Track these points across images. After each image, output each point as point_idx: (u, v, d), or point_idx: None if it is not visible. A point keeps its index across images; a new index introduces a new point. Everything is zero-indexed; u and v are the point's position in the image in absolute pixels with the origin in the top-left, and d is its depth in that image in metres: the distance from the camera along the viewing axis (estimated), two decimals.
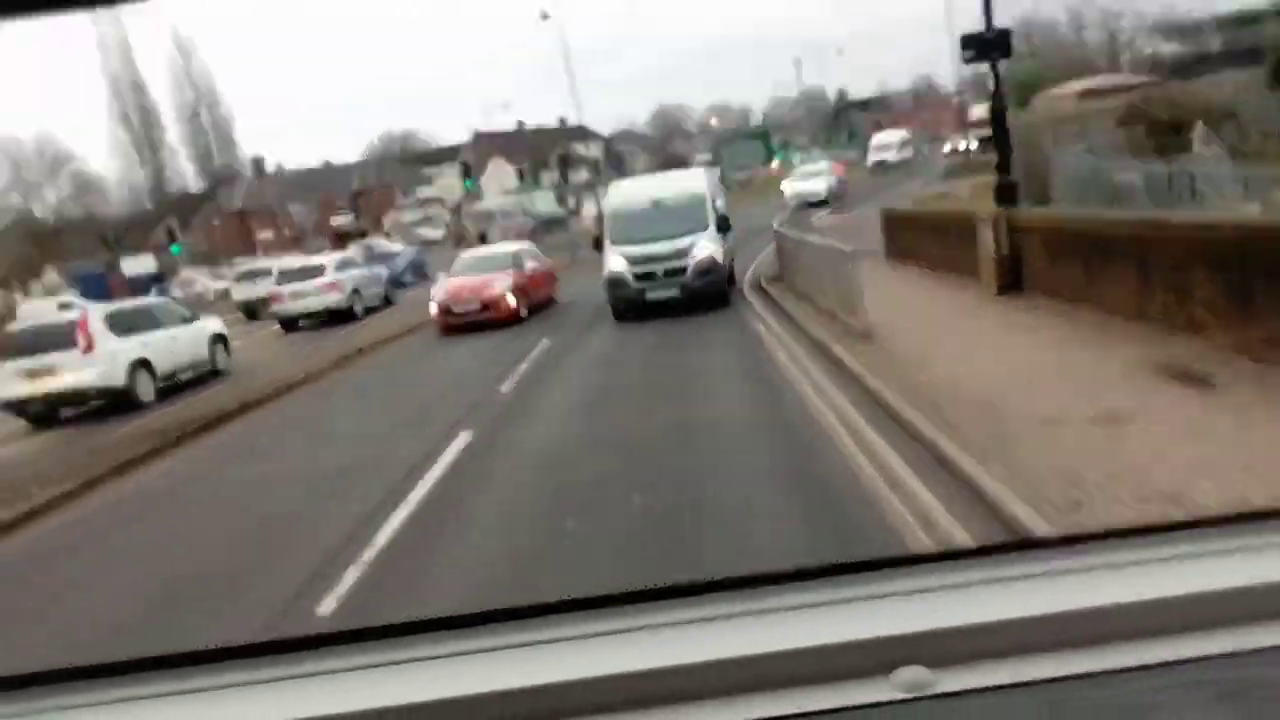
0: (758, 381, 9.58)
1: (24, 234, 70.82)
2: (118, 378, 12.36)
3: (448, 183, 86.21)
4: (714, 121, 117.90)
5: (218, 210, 67.88)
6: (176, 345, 13.73)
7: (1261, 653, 0.90)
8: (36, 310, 27.45)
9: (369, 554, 5.96)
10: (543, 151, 77.25)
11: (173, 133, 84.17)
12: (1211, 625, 0.93)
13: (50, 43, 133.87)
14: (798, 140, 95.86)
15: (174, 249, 29.96)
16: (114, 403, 12.60)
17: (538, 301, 18.04)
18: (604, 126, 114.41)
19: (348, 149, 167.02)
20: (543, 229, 38.52)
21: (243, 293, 25.35)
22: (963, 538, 4.92)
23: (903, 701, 0.90)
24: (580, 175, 50.89)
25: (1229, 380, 6.46)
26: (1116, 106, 23.05)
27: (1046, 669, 0.92)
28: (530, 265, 18.42)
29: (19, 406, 12.81)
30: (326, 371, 14.34)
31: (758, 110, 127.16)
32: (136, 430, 11.14)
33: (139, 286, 51.75)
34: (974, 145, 40.95)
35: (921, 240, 14.68)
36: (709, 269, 14.81)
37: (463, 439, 8.64)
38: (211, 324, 15.36)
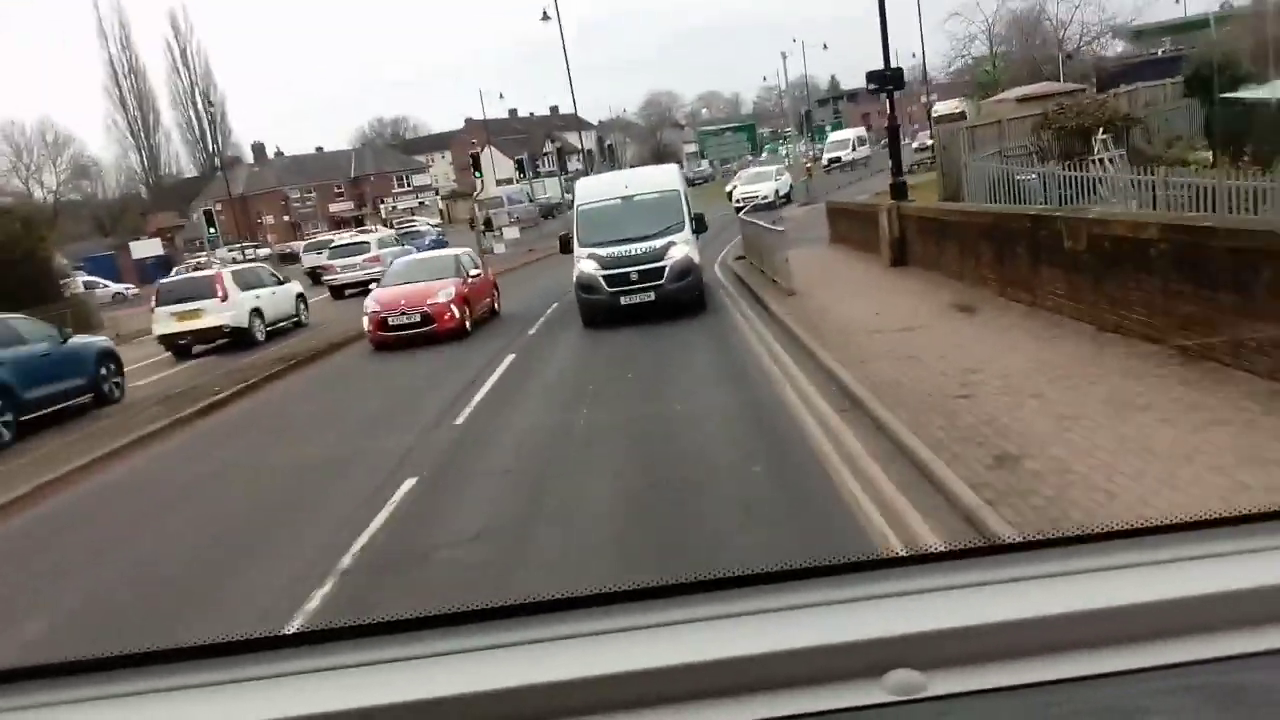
0: (714, 328, 14.05)
1: (25, 218, 74.96)
2: (243, 320, 17.14)
3: (439, 170, 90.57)
4: (704, 111, 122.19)
5: (218, 195, 71.87)
6: (275, 300, 18.54)
7: (1257, 657, 0.90)
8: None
9: (475, 401, 10.48)
10: (535, 140, 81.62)
11: (167, 117, 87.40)
12: (1207, 629, 0.93)
13: (51, 27, 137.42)
14: (787, 130, 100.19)
15: (210, 232, 34.11)
16: (238, 340, 17.36)
17: (481, 314, 17.06)
18: (593, 113, 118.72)
19: (337, 135, 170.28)
20: (544, 216, 42.99)
21: (310, 260, 30.09)
22: (807, 387, 9.40)
23: (893, 704, 0.90)
24: (573, 164, 55.07)
25: (984, 309, 11.09)
26: (1040, 113, 27.70)
27: (1040, 672, 0.92)
28: (473, 272, 17.31)
29: (170, 340, 17.44)
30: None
31: (748, 99, 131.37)
32: (259, 360, 15.75)
33: (146, 269, 55.98)
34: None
35: (851, 226, 19.31)
36: (687, 271, 14.51)
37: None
38: (295, 286, 20.03)
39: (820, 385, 9.07)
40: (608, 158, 64.20)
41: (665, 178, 16.21)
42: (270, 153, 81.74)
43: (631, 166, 51.61)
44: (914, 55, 73.39)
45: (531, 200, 50.66)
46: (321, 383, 14.41)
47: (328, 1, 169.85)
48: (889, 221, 15.51)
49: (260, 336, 18.23)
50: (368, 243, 25.87)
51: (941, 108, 48.79)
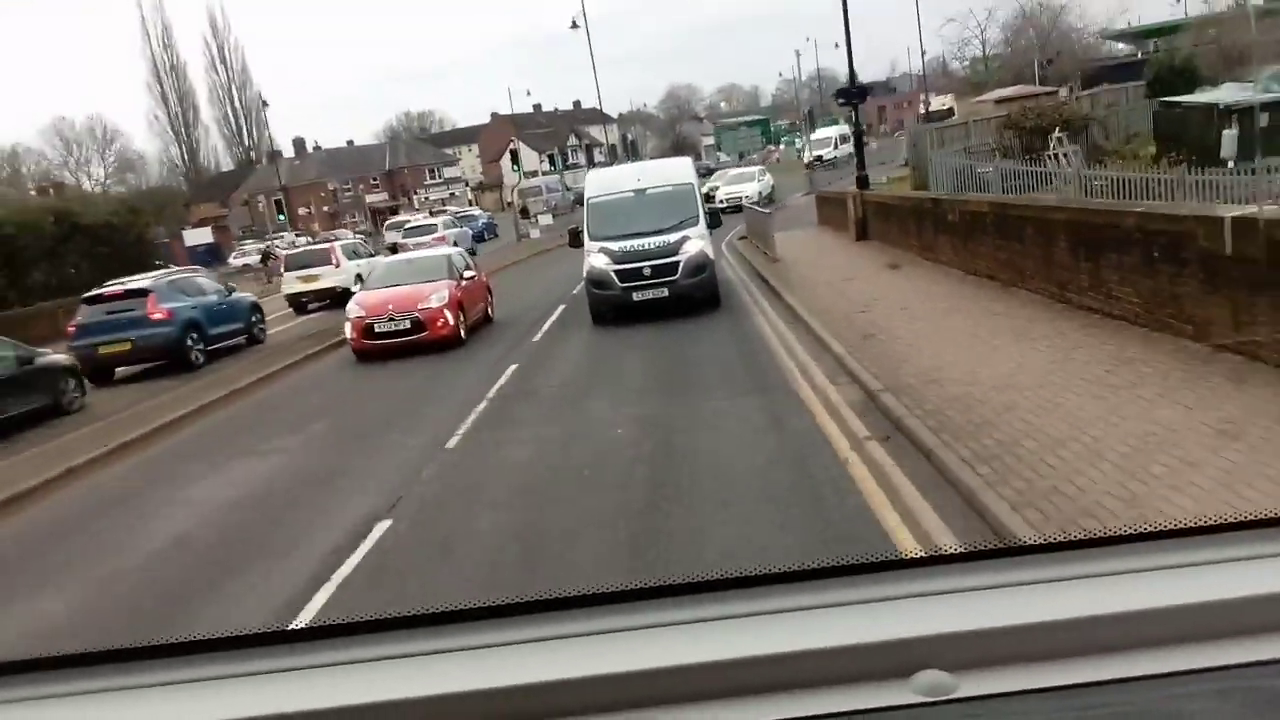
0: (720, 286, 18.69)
1: (133, 207, 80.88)
2: (350, 283, 21.93)
3: (467, 162, 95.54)
4: (723, 104, 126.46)
5: (261, 186, 77.10)
6: (368, 268, 23.39)
7: None
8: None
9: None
10: (560, 134, 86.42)
11: (205, 113, 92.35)
12: (1242, 632, 0.93)
13: (99, 27, 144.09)
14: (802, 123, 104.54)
15: (280, 218, 39.14)
16: (344, 298, 22.20)
17: (475, 320, 16.04)
18: (613, 106, 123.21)
19: (363, 130, 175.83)
20: (577, 203, 47.86)
21: (390, 238, 35.63)
22: (770, 312, 14.07)
23: (922, 705, 0.90)
24: (598, 157, 59.74)
25: (906, 266, 15.73)
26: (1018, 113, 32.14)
27: (1071, 675, 0.92)
28: (468, 274, 16.26)
29: (294, 299, 22.49)
30: None
31: (767, 91, 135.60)
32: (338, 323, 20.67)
33: (197, 256, 61.21)
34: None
35: (831, 211, 23.98)
36: (701, 267, 14.44)
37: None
38: (382, 258, 25.06)
39: (779, 311, 13.79)
40: (630, 151, 68.73)
41: (678, 171, 16.26)
42: (307, 147, 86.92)
43: (652, 159, 56.16)
44: (924, 52, 77.63)
45: (568, 189, 55.45)
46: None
47: (359, 4, 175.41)
48: (853, 206, 20.16)
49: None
50: (435, 224, 31.23)
51: (935, 103, 53.11)
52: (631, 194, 15.36)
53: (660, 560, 5.59)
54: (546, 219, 39.88)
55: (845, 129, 58.04)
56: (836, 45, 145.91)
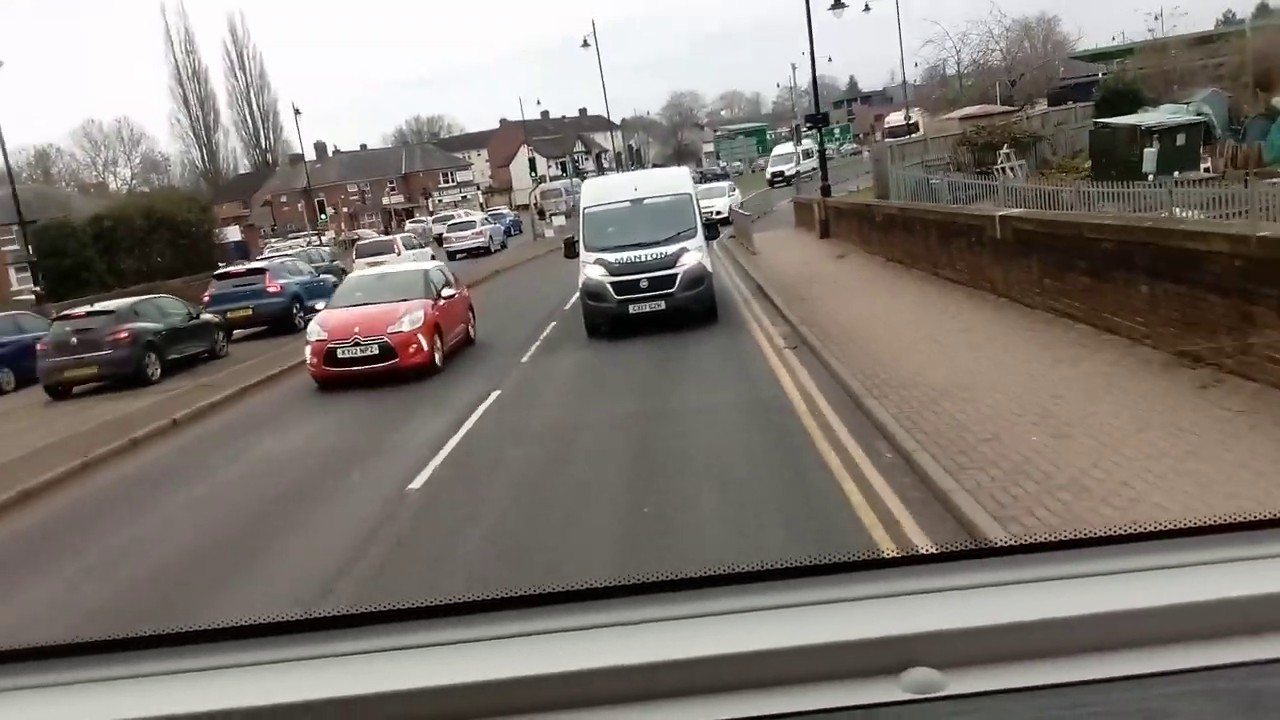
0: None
1: (201, 205, 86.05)
2: None
3: (477, 167, 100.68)
4: (724, 112, 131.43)
5: (283, 187, 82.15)
6: (421, 257, 28.58)
7: (1277, 663, 0.92)
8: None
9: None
10: (567, 140, 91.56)
11: (225, 116, 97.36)
12: (1228, 633, 0.95)
13: (126, 33, 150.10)
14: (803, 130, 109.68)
15: (323, 217, 44.26)
16: None
17: (454, 343, 14.71)
18: (617, 111, 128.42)
19: (372, 133, 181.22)
20: None
21: (436, 230, 41.19)
22: (743, 287, 19.04)
23: (911, 702, 0.92)
24: (606, 163, 64.74)
25: (851, 257, 20.77)
26: (973, 131, 37.08)
27: (1059, 674, 0.94)
28: (446, 292, 14.79)
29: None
30: (487, 278, 28.79)
31: (768, 99, 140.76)
32: None
33: (229, 251, 66.27)
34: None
35: (804, 215, 29.01)
36: (699, 280, 14.38)
37: None
38: (428, 251, 30.12)
39: (750, 287, 18.77)
40: (634, 158, 73.70)
41: (676, 181, 16.38)
42: (328, 151, 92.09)
43: (655, 166, 61.03)
44: (916, 65, 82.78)
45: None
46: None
47: (359, 7, 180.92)
48: (818, 210, 25.19)
49: None
50: (474, 220, 36.91)
51: (893, 119, 57.61)
52: (628, 204, 15.29)
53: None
54: (560, 220, 44.76)
55: (808, 144, 58.45)
56: (830, 59, 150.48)
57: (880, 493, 6.46)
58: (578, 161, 70.84)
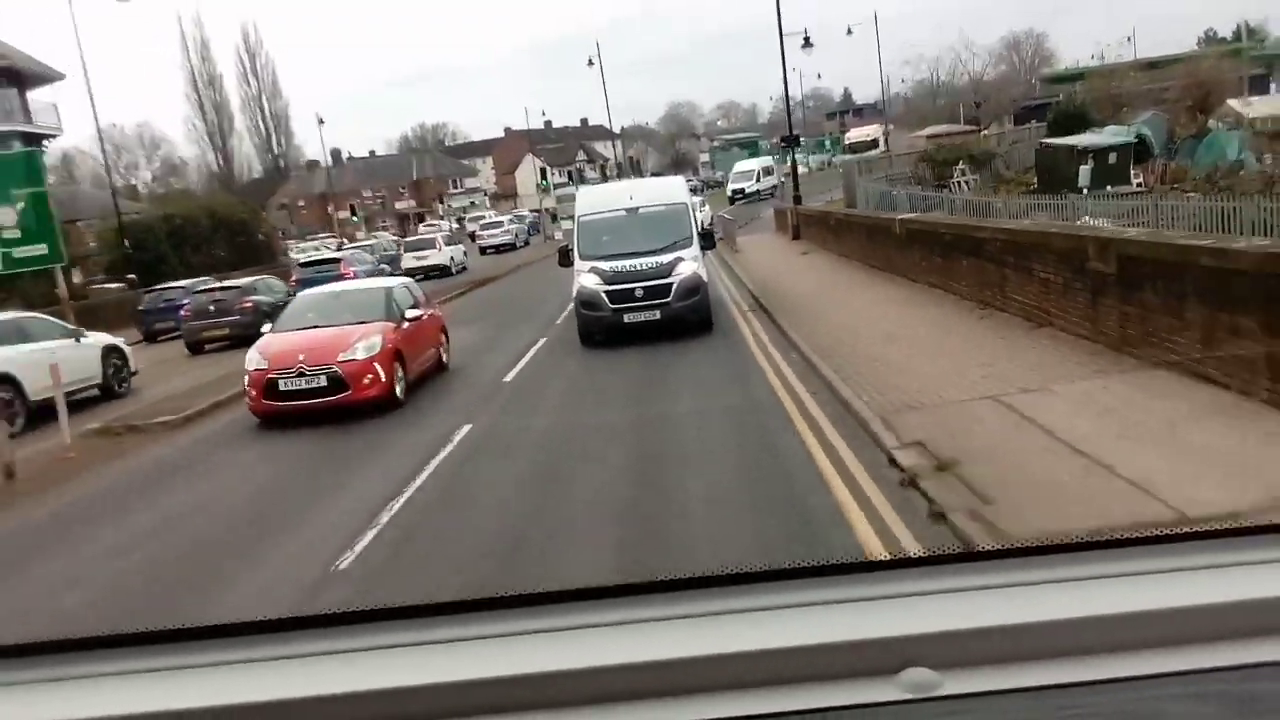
0: None
1: (253, 207, 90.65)
2: (446, 261, 32.19)
3: (484, 174, 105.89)
4: (720, 121, 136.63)
5: (300, 191, 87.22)
6: (455, 252, 33.73)
7: (1271, 666, 0.94)
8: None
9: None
10: (570, 149, 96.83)
11: (239, 121, 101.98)
12: (1222, 637, 0.97)
13: (146, 39, 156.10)
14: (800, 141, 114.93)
15: (354, 218, 49.44)
16: (443, 273, 32.53)
17: (422, 369, 13.32)
18: (617, 118, 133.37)
19: (378, 139, 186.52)
20: None
21: (470, 228, 47.13)
22: (726, 279, 24.14)
23: (909, 702, 0.94)
24: (609, 172, 69.86)
25: (813, 254, 25.95)
26: (933, 148, 42.29)
27: (1055, 675, 0.96)
28: (411, 313, 13.18)
29: (410, 271, 32.80)
30: (513, 269, 33.83)
31: (764, 110, 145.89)
32: (460, 282, 30.89)
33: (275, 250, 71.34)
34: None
35: (781, 220, 34.21)
36: (695, 289, 14.45)
37: None
38: (461, 247, 35.29)
39: (731, 277, 23.89)
40: (634, 167, 78.90)
41: (672, 190, 16.56)
42: (334, 157, 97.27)
43: (654, 175, 66.05)
44: (904, 81, 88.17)
45: None
46: (490, 294, 28.73)
47: (354, 8, 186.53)
48: (791, 216, 30.37)
49: (455, 270, 33.73)
50: (502, 221, 42.63)
51: (856, 134, 62.47)
52: (623, 213, 15.36)
53: None
54: (567, 223, 49.97)
55: (769, 160, 58.87)
56: (819, 76, 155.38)
57: (784, 371, 11.53)
58: (582, 170, 76.06)
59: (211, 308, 20.87)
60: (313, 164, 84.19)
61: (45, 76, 46.64)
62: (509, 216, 47.76)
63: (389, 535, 7.05)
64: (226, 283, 21.94)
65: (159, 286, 26.70)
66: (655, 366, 13.28)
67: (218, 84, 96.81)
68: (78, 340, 15.03)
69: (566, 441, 9.78)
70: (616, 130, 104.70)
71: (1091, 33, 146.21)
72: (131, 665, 1.04)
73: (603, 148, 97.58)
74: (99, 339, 15.61)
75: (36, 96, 46.74)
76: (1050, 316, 10.64)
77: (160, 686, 1.01)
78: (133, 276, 30.27)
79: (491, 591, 1.08)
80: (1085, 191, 30.92)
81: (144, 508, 8.98)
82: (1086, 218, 20.56)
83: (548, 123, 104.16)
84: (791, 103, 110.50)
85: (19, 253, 24.84)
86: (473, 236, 46.53)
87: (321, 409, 11.37)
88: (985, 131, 46.05)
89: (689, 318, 14.53)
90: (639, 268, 14.41)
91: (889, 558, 1.34)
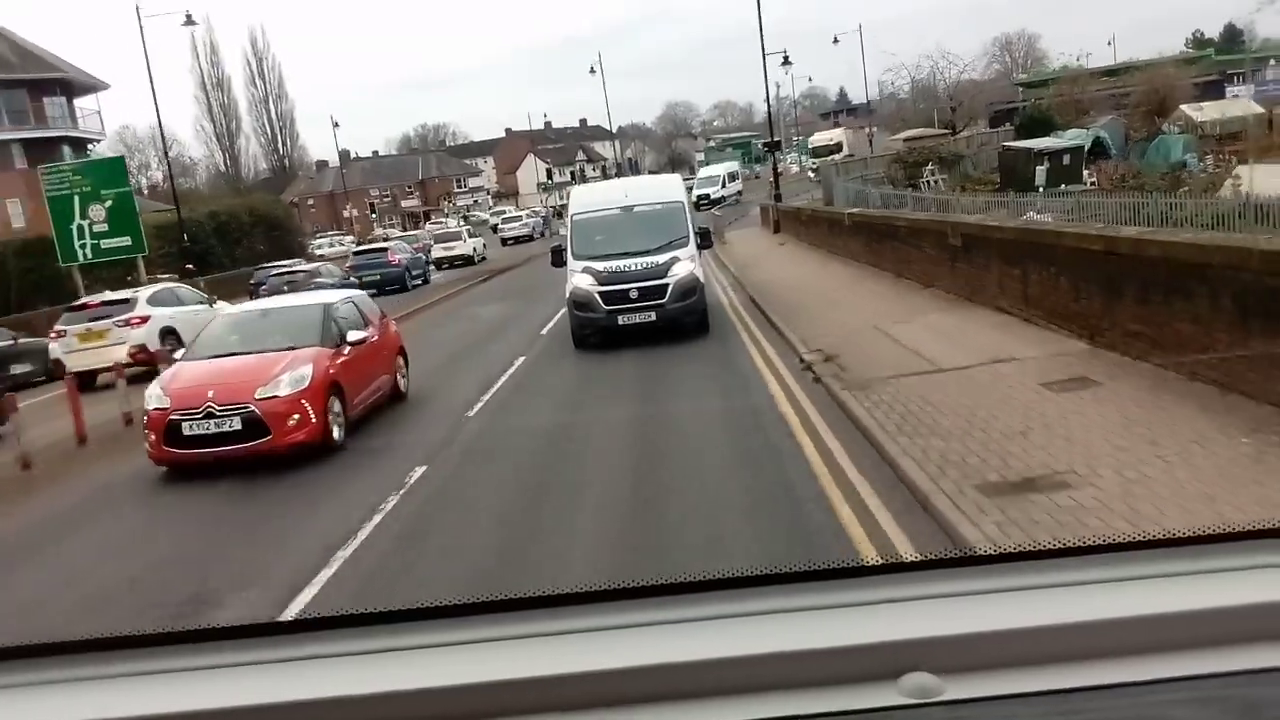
0: None
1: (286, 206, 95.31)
2: (470, 251, 36.84)
3: (488, 173, 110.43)
4: (716, 121, 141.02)
5: (310, 190, 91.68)
6: (477, 244, 38.38)
7: (1275, 672, 0.95)
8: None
9: None
10: (570, 149, 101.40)
11: (246, 123, 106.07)
12: (1225, 642, 0.98)
13: (158, 41, 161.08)
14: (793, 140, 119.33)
15: (372, 215, 54.03)
16: (467, 262, 37.14)
17: (371, 401, 11.39)
18: (614, 117, 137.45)
19: (376, 136, 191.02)
20: None
21: (492, 221, 52.07)
22: (714, 266, 28.70)
23: (909, 707, 0.94)
24: (606, 171, 74.44)
25: (789, 244, 30.59)
26: (905, 150, 46.81)
27: (1057, 680, 0.96)
28: (354, 336, 11.15)
29: (439, 261, 37.56)
30: (527, 259, 38.36)
31: (760, 109, 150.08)
32: (478, 271, 35.52)
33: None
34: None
35: (764, 216, 38.81)
36: (691, 290, 14.33)
37: None
38: (481, 240, 39.99)
39: (717, 263, 28.48)
40: (633, 167, 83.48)
41: (668, 188, 16.43)
42: (342, 158, 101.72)
43: (651, 174, 70.48)
44: (893, 83, 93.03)
45: None
46: (504, 283, 33.31)
47: (361, 16, 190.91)
48: (772, 212, 34.98)
49: (477, 260, 38.47)
50: (520, 215, 47.61)
51: (819, 138, 66.04)
52: (618, 211, 15.21)
53: None
54: None
55: (734, 165, 60.61)
56: (810, 79, 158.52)
57: (746, 320, 16.09)
58: (583, 170, 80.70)
59: (285, 288, 25.49)
60: (321, 164, 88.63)
61: (90, 85, 51.25)
62: (526, 212, 52.88)
63: None
64: (297, 268, 26.55)
65: (267, 265, 32.19)
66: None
67: (226, 86, 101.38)
68: (210, 305, 19.60)
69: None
70: (614, 130, 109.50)
71: (1087, 34, 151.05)
72: (143, 666, 1.05)
73: (601, 148, 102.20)
74: (222, 306, 20.19)
75: (81, 104, 51.32)
76: (932, 280, 15.30)
77: (171, 688, 1.02)
78: (191, 266, 34.75)
79: (493, 595, 1.08)
80: (1041, 190, 35.43)
81: None
82: (1032, 213, 23.33)
83: (548, 123, 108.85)
84: (788, 103, 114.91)
85: (106, 244, 29.59)
86: (494, 229, 51.32)
87: (235, 458, 9.35)
88: (958, 134, 50.53)
89: (685, 320, 14.43)
90: (633, 268, 14.27)
91: (890, 562, 1.66)
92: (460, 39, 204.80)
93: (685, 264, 14.46)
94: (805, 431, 8.70)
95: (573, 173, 73.03)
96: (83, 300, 18.64)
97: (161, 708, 0.99)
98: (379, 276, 30.70)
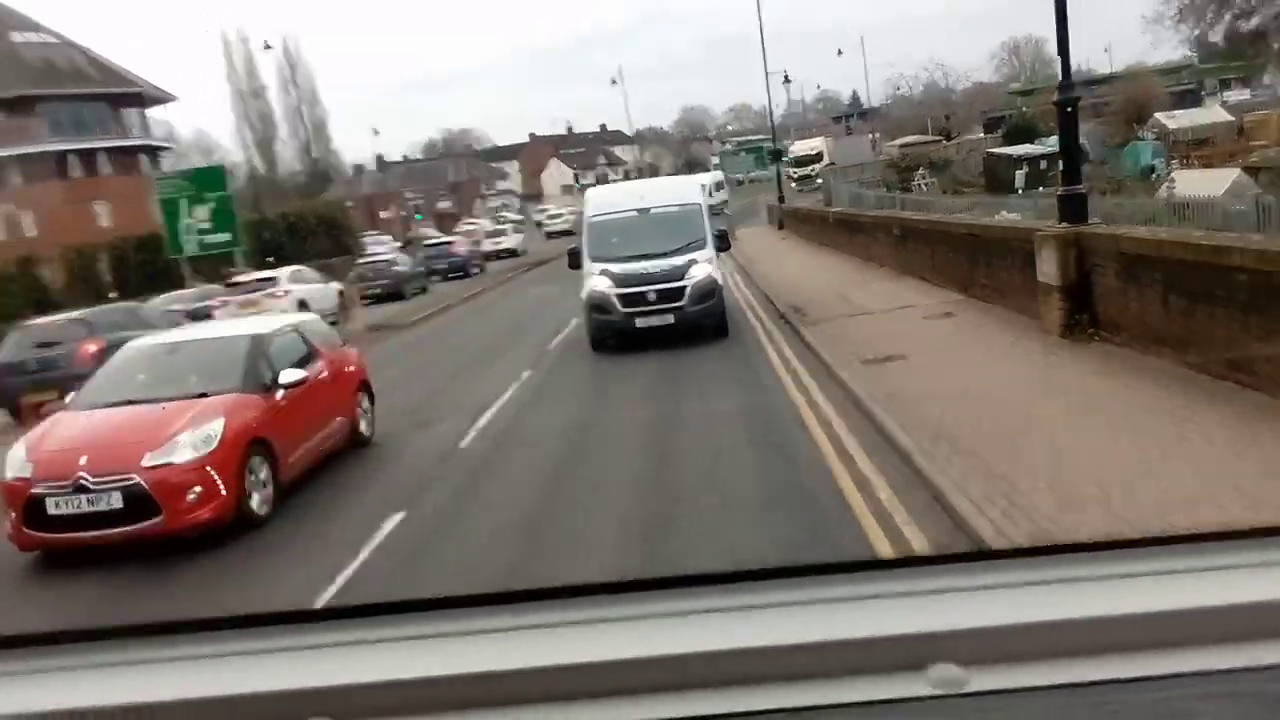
0: None
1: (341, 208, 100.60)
2: (515, 245, 42.28)
3: (514, 176, 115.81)
4: (729, 125, 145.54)
5: (348, 194, 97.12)
6: (520, 239, 43.87)
7: None
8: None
9: None
10: (591, 154, 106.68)
11: (281, 129, 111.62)
12: (1256, 636, 0.98)
13: (194, 55, 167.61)
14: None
15: (418, 217, 59.55)
16: (512, 254, 42.62)
17: (316, 453, 9.17)
18: (631, 119, 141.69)
19: (399, 139, 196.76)
20: None
21: (537, 218, 58.03)
22: (726, 259, 33.90)
23: (935, 698, 0.96)
24: (628, 175, 79.71)
25: (790, 238, 35.74)
26: (899, 156, 51.89)
27: (1083, 673, 0.97)
28: (289, 377, 8.77)
29: (487, 256, 42.86)
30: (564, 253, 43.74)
31: (779, 112, 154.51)
32: (523, 262, 40.88)
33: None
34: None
35: (772, 215, 43.97)
36: (710, 293, 14.33)
37: None
38: (522, 235, 45.41)
39: (727, 257, 33.63)
40: (653, 172, 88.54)
41: (685, 190, 16.59)
42: (379, 163, 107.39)
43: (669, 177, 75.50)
44: (899, 88, 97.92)
45: None
46: (545, 271, 38.56)
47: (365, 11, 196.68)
48: (776, 212, 40.14)
49: (519, 252, 43.89)
50: (562, 213, 53.24)
51: (800, 147, 68.30)
52: (635, 213, 15.21)
53: None
54: None
55: (719, 175, 60.77)
56: (819, 87, 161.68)
57: (748, 291, 21.28)
58: (606, 174, 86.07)
59: (369, 274, 30.89)
60: (358, 168, 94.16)
61: (159, 98, 56.96)
62: (568, 209, 58.47)
63: None
64: (379, 258, 31.97)
65: (368, 253, 38.15)
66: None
67: (261, 94, 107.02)
68: (328, 284, 24.96)
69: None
70: (627, 129, 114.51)
71: (1097, 34, 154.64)
72: (152, 654, 1.06)
73: (621, 152, 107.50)
74: (334, 285, 25.58)
75: (151, 114, 57.04)
76: (884, 261, 20.48)
77: (179, 675, 1.03)
78: (271, 260, 40.19)
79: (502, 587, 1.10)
80: (1020, 192, 40.29)
81: (403, 358, 18.68)
82: (1004, 212, 27.66)
83: (569, 129, 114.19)
84: (799, 107, 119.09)
85: (209, 239, 35.10)
86: (539, 225, 56.72)
87: (117, 543, 7.25)
88: (950, 140, 55.50)
89: (704, 323, 14.38)
90: (651, 270, 14.25)
91: (917, 555, 1.31)
92: (465, 40, 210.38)
93: (703, 266, 14.50)
94: (771, 345, 14.04)
95: (596, 176, 78.21)
96: (240, 279, 24.00)
97: (190, 692, 1.01)
98: (447, 264, 36.19)
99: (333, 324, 23.97)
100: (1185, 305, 8.31)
